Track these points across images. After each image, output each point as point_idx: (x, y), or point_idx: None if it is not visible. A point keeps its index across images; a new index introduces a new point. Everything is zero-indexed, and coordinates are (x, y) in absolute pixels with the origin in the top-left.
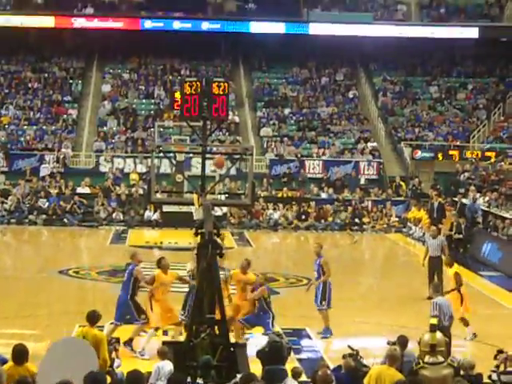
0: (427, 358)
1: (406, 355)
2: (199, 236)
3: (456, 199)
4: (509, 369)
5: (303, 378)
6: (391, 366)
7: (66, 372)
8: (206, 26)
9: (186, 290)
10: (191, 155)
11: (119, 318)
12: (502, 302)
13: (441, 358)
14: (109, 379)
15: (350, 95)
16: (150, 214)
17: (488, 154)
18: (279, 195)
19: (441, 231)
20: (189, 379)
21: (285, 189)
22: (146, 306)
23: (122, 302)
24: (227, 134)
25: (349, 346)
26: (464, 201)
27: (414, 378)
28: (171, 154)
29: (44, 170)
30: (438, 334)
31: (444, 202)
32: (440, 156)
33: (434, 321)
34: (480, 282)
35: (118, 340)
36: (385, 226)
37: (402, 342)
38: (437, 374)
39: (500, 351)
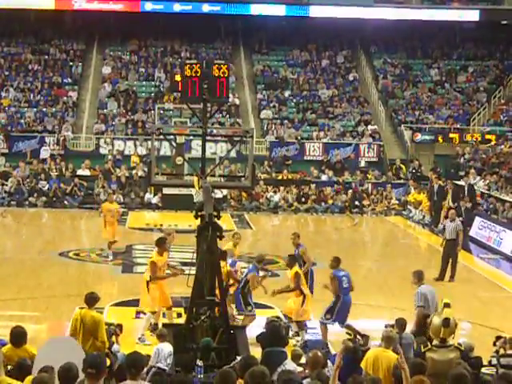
0: (435, 341)
1: (405, 338)
2: (199, 218)
3: (462, 182)
4: (508, 351)
5: (303, 360)
6: (387, 348)
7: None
8: (206, 8)
9: None
10: (191, 137)
11: None
12: (502, 285)
13: (449, 342)
14: (108, 361)
15: (351, 78)
16: (150, 197)
17: (488, 136)
18: (279, 177)
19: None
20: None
21: (285, 171)
22: (141, 289)
23: None
24: (227, 116)
25: (347, 333)
26: (462, 183)
27: (417, 361)
28: (171, 137)
29: (44, 153)
30: (451, 322)
31: (444, 184)
32: (440, 139)
33: (448, 314)
34: (479, 264)
35: (119, 325)
36: (385, 208)
37: (400, 324)
38: (444, 357)
39: (499, 337)
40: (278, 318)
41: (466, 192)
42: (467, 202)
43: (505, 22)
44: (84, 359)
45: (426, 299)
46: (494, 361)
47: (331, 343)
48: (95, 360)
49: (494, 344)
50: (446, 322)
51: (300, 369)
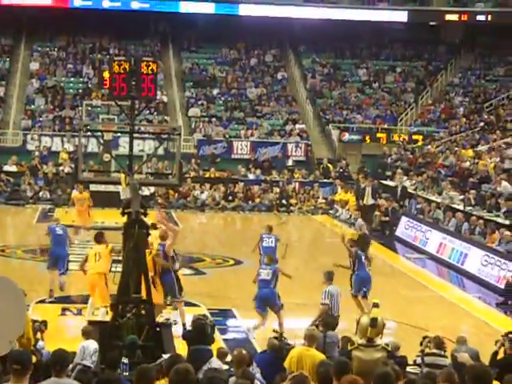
0: (362, 340)
1: (329, 336)
2: (126, 216)
3: (392, 183)
4: (432, 350)
5: (229, 358)
6: (310, 346)
7: None
8: (135, 4)
9: None
10: (119, 134)
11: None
12: (427, 284)
13: (377, 341)
14: (34, 358)
15: (279, 77)
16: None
17: (415, 137)
18: (207, 175)
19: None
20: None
21: (212, 169)
22: (99, 284)
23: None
24: (155, 113)
25: (273, 330)
26: (390, 183)
27: (341, 359)
28: (99, 133)
29: None
30: (379, 322)
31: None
32: (368, 139)
33: (376, 314)
34: (405, 264)
35: (44, 322)
36: (312, 207)
37: (326, 322)
38: (370, 357)
39: (425, 337)
40: (204, 315)
41: (398, 192)
42: (393, 202)
43: (433, 23)
44: (9, 355)
45: (332, 298)
46: (419, 360)
47: (256, 341)
48: (21, 356)
49: (421, 344)
50: (374, 321)
51: (226, 367)
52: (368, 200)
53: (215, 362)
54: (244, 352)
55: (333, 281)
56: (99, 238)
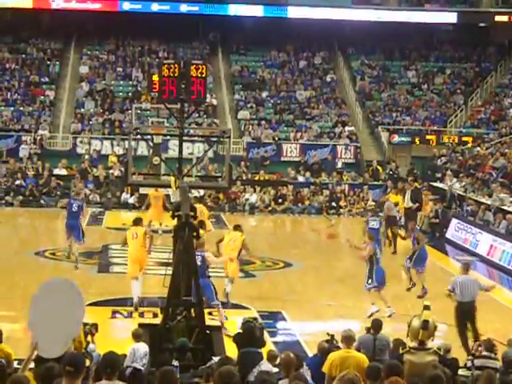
0: (413, 343)
1: (379, 339)
2: (176, 218)
3: (442, 185)
4: (483, 353)
5: (279, 361)
6: (349, 347)
7: (54, 311)
8: (184, 8)
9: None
10: (168, 137)
11: None
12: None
13: (428, 344)
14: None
15: (328, 79)
16: (127, 197)
17: (465, 138)
18: (256, 178)
19: None
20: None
21: (262, 172)
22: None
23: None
24: (205, 116)
25: (328, 334)
26: (440, 185)
27: (393, 362)
28: (148, 137)
29: (22, 151)
30: (430, 324)
31: (420, 186)
32: (417, 140)
33: (427, 316)
34: (455, 266)
35: (94, 325)
36: (361, 209)
37: (376, 325)
38: (421, 360)
39: (476, 340)
40: (254, 318)
41: (448, 196)
42: (442, 204)
43: (482, 25)
44: (63, 357)
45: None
46: (470, 363)
47: (306, 343)
48: (75, 358)
49: (472, 348)
50: (425, 324)
51: (276, 369)
52: (408, 203)
53: (265, 365)
54: (292, 355)
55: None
56: (137, 222)
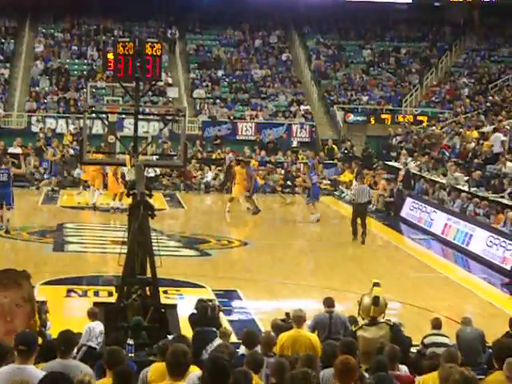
0: (366, 320)
1: (334, 317)
2: (131, 197)
3: (397, 164)
4: (432, 331)
5: (233, 339)
6: (299, 327)
7: None
8: None
9: None
10: (124, 116)
11: None
12: (432, 265)
13: (379, 320)
14: (40, 339)
15: (284, 58)
16: (80, 172)
17: (420, 118)
18: (212, 157)
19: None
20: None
21: (218, 151)
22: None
23: None
24: (160, 95)
25: (286, 313)
26: (395, 164)
27: (347, 340)
28: (104, 115)
29: None
30: (381, 301)
31: (376, 166)
32: (372, 120)
33: (378, 292)
34: (410, 244)
35: (44, 302)
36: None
37: (328, 303)
38: (374, 335)
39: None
40: (210, 300)
41: (403, 175)
42: (396, 184)
43: (437, 4)
44: (15, 336)
45: None
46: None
47: (261, 321)
48: (27, 337)
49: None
50: (376, 300)
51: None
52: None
53: (218, 343)
54: (272, 334)
55: None
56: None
